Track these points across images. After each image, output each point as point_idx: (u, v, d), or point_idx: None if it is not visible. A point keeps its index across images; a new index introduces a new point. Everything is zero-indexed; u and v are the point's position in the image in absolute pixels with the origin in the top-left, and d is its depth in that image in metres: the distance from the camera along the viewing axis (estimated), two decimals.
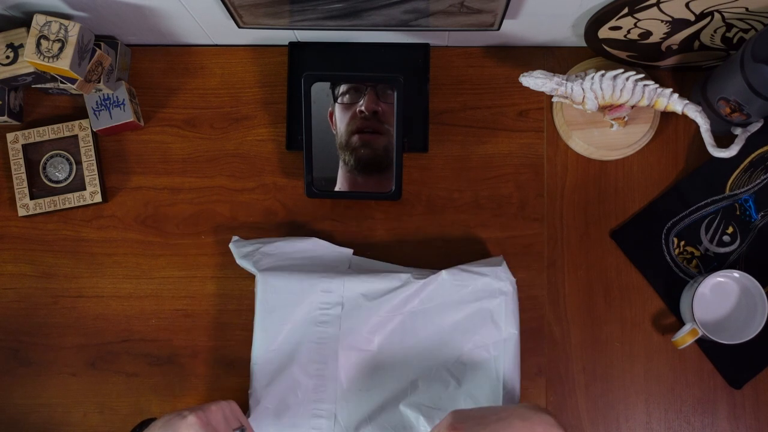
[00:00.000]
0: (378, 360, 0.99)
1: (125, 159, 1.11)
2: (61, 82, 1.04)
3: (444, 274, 0.98)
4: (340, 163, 1.07)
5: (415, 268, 1.04)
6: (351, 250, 1.05)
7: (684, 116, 0.99)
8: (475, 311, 0.98)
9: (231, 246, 1.04)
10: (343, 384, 0.98)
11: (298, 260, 1.03)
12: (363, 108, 1.05)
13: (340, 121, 1.06)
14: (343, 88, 1.06)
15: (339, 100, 1.06)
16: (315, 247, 1.05)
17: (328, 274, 1.00)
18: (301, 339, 0.99)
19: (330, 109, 1.06)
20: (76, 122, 1.09)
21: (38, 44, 0.96)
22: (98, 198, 1.09)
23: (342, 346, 0.99)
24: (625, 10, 0.93)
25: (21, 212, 1.09)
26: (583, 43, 1.04)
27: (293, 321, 0.99)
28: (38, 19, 0.96)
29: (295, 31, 1.06)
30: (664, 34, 0.98)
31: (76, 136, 1.10)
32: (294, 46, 1.10)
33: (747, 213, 1.06)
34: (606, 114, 1.05)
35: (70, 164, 1.10)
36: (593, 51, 1.05)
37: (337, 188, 1.07)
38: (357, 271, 1.02)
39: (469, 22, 0.99)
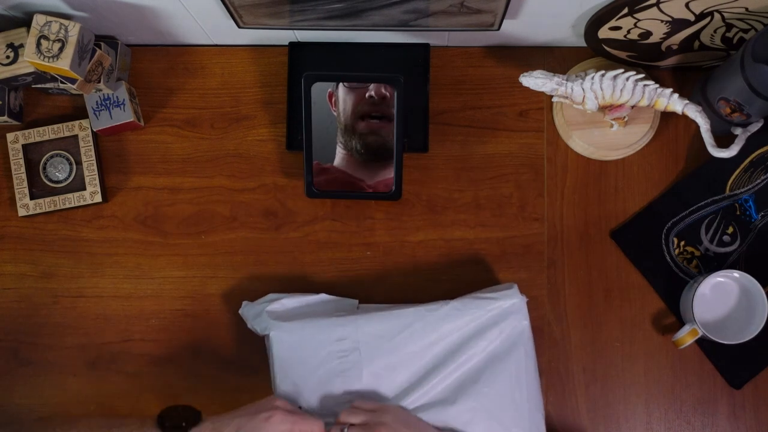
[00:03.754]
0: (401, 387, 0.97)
1: (125, 159, 1.11)
2: (61, 82, 1.04)
3: (454, 303, 0.97)
4: (339, 147, 1.06)
5: (422, 304, 1.00)
6: (356, 300, 1.04)
7: (684, 116, 0.99)
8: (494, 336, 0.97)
9: (241, 311, 1.02)
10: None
11: (306, 314, 1.01)
12: (373, 93, 1.04)
13: (345, 103, 1.05)
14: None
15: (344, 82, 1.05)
16: (321, 299, 1.03)
17: (339, 319, 0.97)
18: (326, 394, 0.96)
19: (330, 89, 1.05)
20: (76, 122, 1.09)
21: (38, 44, 0.96)
22: (98, 198, 1.09)
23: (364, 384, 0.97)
24: (625, 10, 0.93)
25: (21, 212, 1.09)
26: (583, 43, 1.04)
27: (314, 377, 0.96)
28: (38, 19, 0.96)
29: (295, 31, 1.06)
30: (664, 34, 0.98)
31: (76, 136, 1.10)
32: (294, 46, 1.10)
33: (747, 213, 1.06)
34: (606, 114, 1.05)
35: (70, 164, 1.10)
36: (593, 51, 1.05)
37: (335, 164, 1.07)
38: (367, 311, 0.99)
39: (469, 22, 0.99)
